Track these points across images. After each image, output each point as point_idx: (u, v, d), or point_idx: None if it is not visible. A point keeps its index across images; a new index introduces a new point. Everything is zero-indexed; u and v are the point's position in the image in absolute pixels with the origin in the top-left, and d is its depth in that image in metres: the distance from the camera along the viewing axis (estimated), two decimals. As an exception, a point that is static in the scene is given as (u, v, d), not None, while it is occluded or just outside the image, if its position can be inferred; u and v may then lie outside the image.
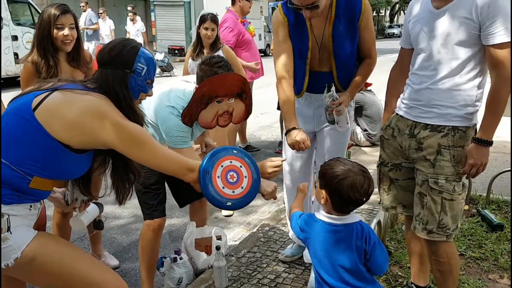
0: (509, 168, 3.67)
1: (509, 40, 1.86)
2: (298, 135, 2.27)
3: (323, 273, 1.66)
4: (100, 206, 2.04)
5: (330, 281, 1.64)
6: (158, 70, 12.37)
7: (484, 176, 3.89)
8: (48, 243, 1.63)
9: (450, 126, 2.01)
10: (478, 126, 2.04)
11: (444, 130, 2.01)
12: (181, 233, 3.40)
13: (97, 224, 2.11)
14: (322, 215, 1.67)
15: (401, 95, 2.24)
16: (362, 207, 3.75)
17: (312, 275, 2.62)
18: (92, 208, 2.00)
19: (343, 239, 1.63)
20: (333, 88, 2.32)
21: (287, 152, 2.68)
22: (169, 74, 12.50)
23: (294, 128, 2.30)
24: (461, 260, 2.77)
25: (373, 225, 2.74)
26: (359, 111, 5.67)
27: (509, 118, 7.09)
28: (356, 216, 1.68)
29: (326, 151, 2.58)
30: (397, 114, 2.22)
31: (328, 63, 2.42)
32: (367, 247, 1.62)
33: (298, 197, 1.92)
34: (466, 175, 2.03)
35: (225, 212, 3.93)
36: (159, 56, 12.43)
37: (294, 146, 2.30)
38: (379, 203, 2.41)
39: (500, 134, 5.74)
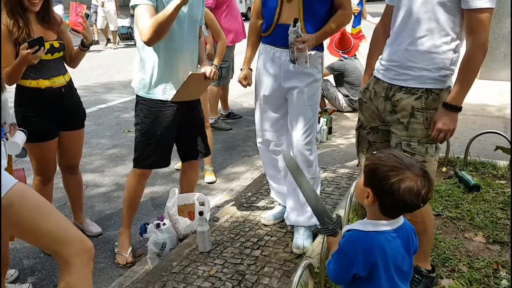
0: (487, 130, 3.74)
1: (489, 6, 1.85)
2: (241, 73, 2.71)
3: None
4: (25, 132, 2.24)
5: None
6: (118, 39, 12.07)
7: (462, 138, 3.98)
8: (27, 194, 1.63)
9: (424, 89, 2.01)
10: None
11: (418, 92, 2.02)
12: (163, 200, 3.39)
13: (23, 152, 2.25)
14: (370, 225, 1.30)
15: (380, 56, 2.23)
16: (342, 171, 3.83)
17: (297, 236, 2.66)
18: (19, 132, 2.18)
19: (401, 247, 1.33)
20: (298, 24, 2.31)
21: (256, 113, 2.77)
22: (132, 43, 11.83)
23: (243, 69, 2.72)
24: (438, 220, 2.85)
25: (352, 187, 2.77)
26: (340, 78, 5.66)
27: (487, 81, 7.19)
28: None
29: (295, 113, 2.58)
30: (375, 76, 2.22)
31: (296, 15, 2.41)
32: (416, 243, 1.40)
33: (334, 247, 1.43)
34: (433, 141, 2.04)
35: (208, 179, 3.94)
36: (123, 22, 11.96)
37: (241, 83, 2.72)
38: (357, 165, 2.43)
39: (478, 98, 5.87)
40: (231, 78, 5.25)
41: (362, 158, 2.37)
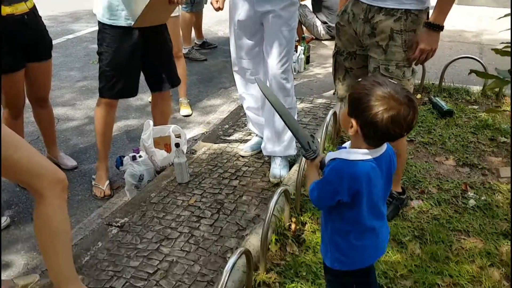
0: (463, 55, 3.74)
1: None
2: None
3: (371, 221, 1.35)
4: None
5: (378, 224, 1.37)
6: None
7: (438, 65, 3.98)
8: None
9: (403, 10, 1.96)
10: (430, 12, 2.01)
11: (397, 13, 1.97)
12: (138, 134, 3.35)
13: None
14: (358, 154, 1.28)
15: None
16: (319, 101, 3.82)
17: (274, 166, 2.70)
18: None
19: (383, 173, 1.33)
20: None
21: (231, 40, 2.68)
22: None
23: None
24: (410, 145, 2.91)
25: (328, 116, 2.78)
26: (318, 3, 5.47)
27: (465, 6, 7.07)
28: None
29: (271, 39, 2.49)
30: None
31: None
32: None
33: (312, 173, 1.44)
34: (416, 61, 2.04)
35: (183, 112, 3.88)
36: None
37: (212, 5, 2.66)
38: (334, 93, 2.42)
39: (456, 23, 5.80)
40: (205, 3, 5.01)
41: (339, 85, 2.34)
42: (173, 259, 2.06)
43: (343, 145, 1.39)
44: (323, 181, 1.32)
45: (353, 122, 1.25)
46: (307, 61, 4.83)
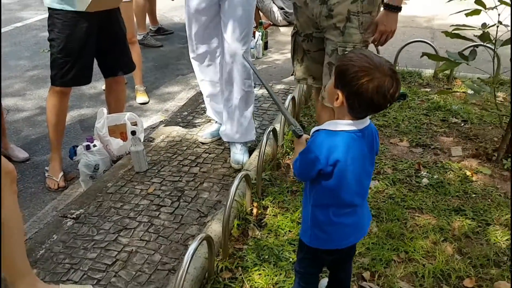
0: (416, 39, 3.84)
1: None
2: None
3: (353, 197, 1.37)
4: None
5: (359, 202, 1.39)
6: None
7: (392, 49, 4.07)
8: None
9: None
10: None
11: None
12: (93, 123, 3.24)
13: None
14: (338, 125, 1.30)
15: None
16: (278, 87, 3.83)
17: (235, 152, 2.68)
18: None
19: (366, 146, 1.34)
20: None
21: (187, 24, 2.60)
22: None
23: None
24: (368, 128, 2.97)
25: (287, 101, 2.79)
26: (275, -12, 5.46)
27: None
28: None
29: (230, 20, 2.43)
30: None
31: None
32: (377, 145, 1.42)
33: (298, 148, 1.43)
34: (375, 43, 2.07)
35: (140, 99, 3.79)
36: None
37: None
38: (292, 74, 2.42)
39: (408, 9, 5.94)
40: (159, -11, 4.89)
41: (297, 66, 2.34)
42: (132, 249, 2.01)
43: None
44: (305, 150, 1.34)
45: (339, 93, 1.27)
46: (265, 47, 4.82)
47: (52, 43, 2.47)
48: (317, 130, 1.33)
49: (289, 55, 4.69)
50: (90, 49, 2.53)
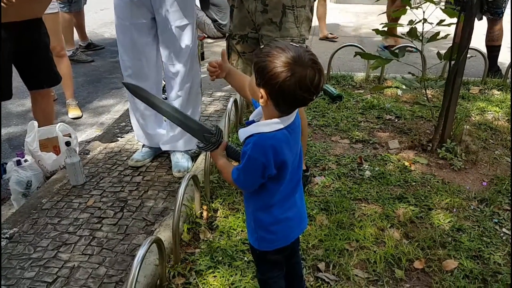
0: (347, 43, 4.00)
1: None
2: None
3: (292, 188, 1.36)
4: None
5: (296, 193, 1.39)
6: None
7: (324, 57, 4.21)
8: None
9: None
10: None
11: None
12: (22, 141, 3.02)
13: None
14: (272, 125, 1.24)
15: None
16: (218, 94, 3.81)
17: (176, 160, 2.60)
18: None
19: (296, 141, 1.31)
20: None
21: (118, 38, 2.41)
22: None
23: None
24: (308, 129, 3.02)
25: (229, 105, 2.77)
26: (205, 1, 5.47)
27: (343, 4, 7.60)
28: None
29: (167, 36, 2.31)
30: None
31: None
32: None
33: (223, 160, 1.39)
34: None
35: (72, 114, 3.59)
36: None
37: None
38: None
39: (336, 19, 6.22)
40: (84, 3, 4.72)
41: None
42: (74, 265, 1.86)
43: (250, 119, 1.34)
44: (247, 161, 1.24)
45: (262, 91, 1.19)
46: (202, 57, 4.80)
47: None
48: (250, 136, 1.25)
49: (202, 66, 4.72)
50: (7, 61, 2.38)
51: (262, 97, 1.20)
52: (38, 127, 2.63)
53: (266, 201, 1.32)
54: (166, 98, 3.19)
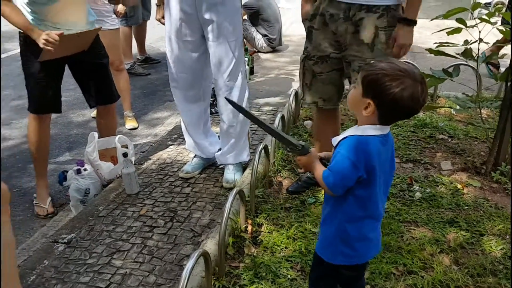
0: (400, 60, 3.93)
1: None
2: (158, 11, 2.58)
3: (380, 207, 1.35)
4: None
5: (382, 213, 1.38)
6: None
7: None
8: None
9: (384, 6, 2.01)
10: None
11: (379, 10, 2.02)
12: (82, 149, 3.21)
13: None
14: (368, 129, 1.27)
15: None
16: (266, 108, 3.87)
17: (227, 172, 2.66)
18: None
19: (390, 152, 1.33)
20: None
21: (168, 52, 2.49)
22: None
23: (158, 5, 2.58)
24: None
25: (276, 120, 2.81)
26: (255, 16, 5.57)
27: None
28: None
29: (216, 52, 2.38)
30: None
31: None
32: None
33: (317, 163, 1.38)
34: (395, 57, 2.07)
35: (129, 125, 3.78)
36: None
37: (160, 22, 2.59)
38: (302, 98, 2.43)
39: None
40: (148, 19, 4.95)
41: (306, 91, 2.33)
42: (126, 272, 1.96)
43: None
44: (339, 160, 1.27)
45: (370, 102, 1.24)
46: (251, 72, 4.89)
47: (24, 69, 2.50)
48: (344, 138, 1.30)
49: (275, 79, 4.78)
50: (56, 78, 2.55)
51: (367, 108, 1.25)
52: (100, 138, 2.81)
53: (356, 211, 1.33)
54: (214, 112, 3.27)
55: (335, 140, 1.33)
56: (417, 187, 2.51)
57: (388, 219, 2.22)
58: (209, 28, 2.34)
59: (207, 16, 2.31)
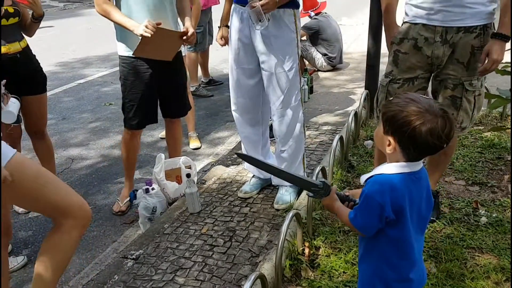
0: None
1: None
2: (218, 32, 2.75)
3: (414, 249, 1.31)
4: (18, 99, 2.26)
5: (419, 256, 1.33)
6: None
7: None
8: (26, 163, 1.67)
9: (481, 25, 2.02)
10: None
11: (476, 30, 2.03)
12: (150, 168, 3.43)
13: (17, 119, 2.26)
14: (394, 167, 1.25)
15: (411, 2, 2.13)
16: (325, 128, 3.89)
17: (281, 193, 2.71)
18: (14, 100, 2.21)
19: (424, 190, 1.28)
20: None
21: (230, 78, 2.65)
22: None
23: (220, 27, 2.76)
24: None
25: (335, 141, 2.83)
26: (315, 37, 5.62)
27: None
28: None
29: (269, 80, 2.48)
30: (414, 23, 2.13)
31: None
32: None
33: (337, 204, 1.38)
34: (484, 72, 2.07)
35: (193, 145, 3.96)
36: None
37: (218, 42, 2.80)
38: (370, 118, 2.45)
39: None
40: (210, 43, 5.19)
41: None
42: (188, 289, 2.06)
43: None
44: (365, 199, 1.26)
45: (391, 139, 1.24)
46: (311, 91, 4.94)
47: (121, 88, 2.75)
48: (371, 177, 1.28)
49: (333, 98, 4.79)
50: (151, 97, 2.76)
51: (389, 144, 1.24)
52: (168, 150, 3.00)
53: (389, 253, 1.29)
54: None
55: (363, 178, 1.31)
56: (483, 212, 2.40)
57: (451, 245, 2.15)
58: (263, 58, 2.46)
59: (261, 47, 2.43)
